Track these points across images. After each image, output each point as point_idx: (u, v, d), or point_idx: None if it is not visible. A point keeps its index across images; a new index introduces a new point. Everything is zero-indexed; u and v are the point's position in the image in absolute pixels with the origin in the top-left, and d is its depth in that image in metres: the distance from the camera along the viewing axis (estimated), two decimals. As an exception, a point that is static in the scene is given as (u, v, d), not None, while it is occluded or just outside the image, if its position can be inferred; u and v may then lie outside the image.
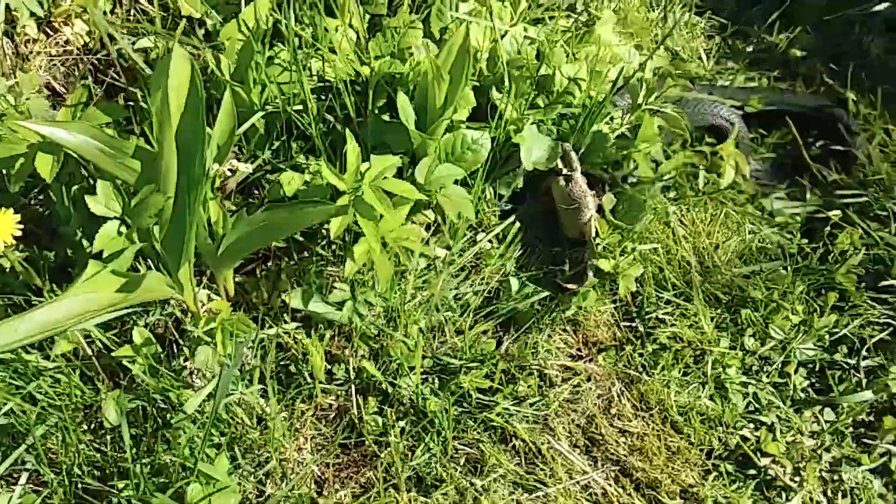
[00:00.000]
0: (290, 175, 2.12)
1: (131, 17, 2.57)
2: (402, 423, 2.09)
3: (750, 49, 2.78)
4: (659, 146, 2.26)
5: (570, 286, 2.24)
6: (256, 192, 2.27)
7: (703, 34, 2.83)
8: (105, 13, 2.57)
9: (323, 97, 2.21)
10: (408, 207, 2.04)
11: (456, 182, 2.13)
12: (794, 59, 2.79)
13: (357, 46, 2.23)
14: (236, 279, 2.21)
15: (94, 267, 1.70)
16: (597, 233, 2.23)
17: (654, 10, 2.81)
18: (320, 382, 2.10)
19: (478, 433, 2.09)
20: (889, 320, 2.27)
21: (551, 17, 2.40)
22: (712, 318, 2.29)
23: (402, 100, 2.05)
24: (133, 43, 2.44)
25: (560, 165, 2.24)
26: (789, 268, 2.35)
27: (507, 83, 2.15)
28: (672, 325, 2.25)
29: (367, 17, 2.39)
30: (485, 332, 2.24)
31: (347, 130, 1.96)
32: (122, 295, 1.67)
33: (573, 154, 2.23)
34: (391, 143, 2.16)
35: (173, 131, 1.74)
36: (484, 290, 2.26)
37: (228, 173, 1.84)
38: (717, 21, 2.84)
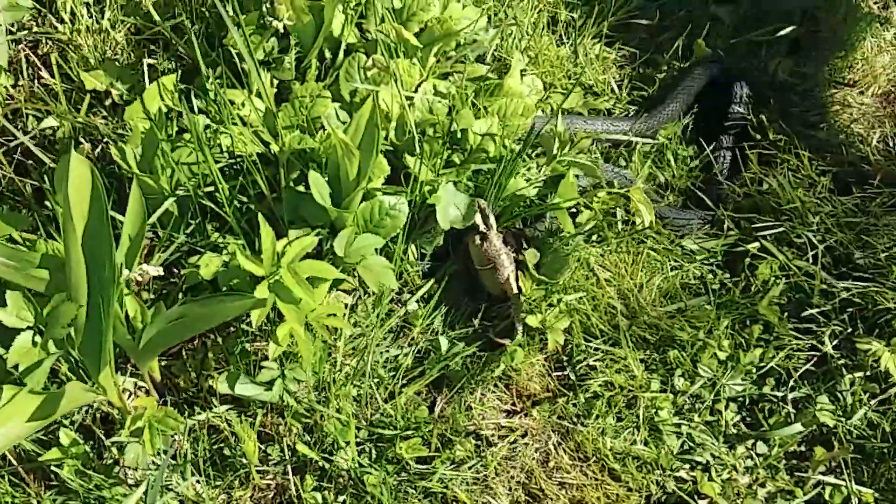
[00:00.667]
0: (207, 258, 2.09)
1: (35, 91, 2.51)
2: (342, 498, 2.09)
3: (661, 76, 2.80)
4: (578, 199, 2.27)
5: (501, 341, 2.25)
6: (177, 270, 2.24)
7: (615, 65, 2.84)
8: (6, 88, 2.51)
9: (238, 170, 2.18)
10: (328, 284, 2.02)
11: (377, 251, 2.12)
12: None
13: (265, 118, 2.20)
14: (162, 363, 2.17)
15: (10, 391, 1.65)
16: (519, 289, 2.23)
17: (563, 45, 2.81)
18: (255, 466, 2.07)
19: (418, 501, 2.09)
20: (813, 351, 2.30)
21: (458, 73, 2.39)
22: (642, 360, 2.31)
23: (314, 178, 2.03)
24: (39, 120, 2.39)
25: (478, 222, 2.24)
26: (713, 303, 2.37)
27: (417, 148, 2.13)
28: (603, 372, 2.27)
29: (276, 83, 2.37)
30: (418, 394, 2.24)
31: (260, 215, 1.94)
32: (40, 422, 1.63)
33: (488, 211, 2.23)
34: (308, 217, 2.13)
35: (79, 238, 1.70)
36: (413, 351, 2.25)
37: (139, 278, 1.80)
38: (628, 51, 2.86)
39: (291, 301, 1.92)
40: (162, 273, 1.81)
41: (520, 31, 2.73)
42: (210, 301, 1.85)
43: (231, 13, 2.33)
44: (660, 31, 2.90)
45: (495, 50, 2.64)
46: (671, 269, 2.44)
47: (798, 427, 2.22)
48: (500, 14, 2.72)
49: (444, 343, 2.25)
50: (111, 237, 1.71)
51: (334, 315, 2.00)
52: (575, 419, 2.24)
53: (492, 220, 2.23)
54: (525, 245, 2.31)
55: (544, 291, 2.23)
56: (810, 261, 2.39)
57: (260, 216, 1.94)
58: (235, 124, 2.18)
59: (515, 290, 2.24)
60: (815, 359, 2.30)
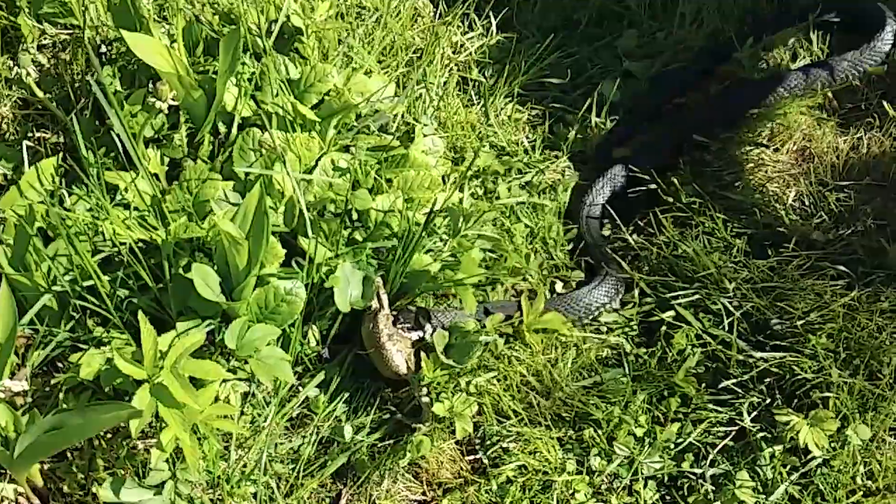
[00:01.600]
0: (88, 356, 1.96)
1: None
2: None
3: (572, 133, 2.73)
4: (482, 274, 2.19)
5: (410, 423, 2.15)
6: (61, 365, 2.11)
7: (528, 125, 2.78)
8: None
9: (121, 260, 2.06)
10: (216, 384, 1.91)
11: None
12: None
13: (154, 201, 2.09)
14: (46, 466, 2.04)
15: None
16: (415, 370, 2.13)
17: (474, 107, 2.74)
18: (145, 577, 1.95)
19: None
20: (732, 423, 2.23)
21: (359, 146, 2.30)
22: (558, 439, 2.22)
23: (199, 269, 1.92)
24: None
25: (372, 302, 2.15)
26: (629, 375, 2.30)
27: (310, 230, 2.03)
28: (516, 454, 2.17)
29: (167, 161, 2.26)
30: (322, 487, 2.13)
31: (140, 314, 1.82)
32: None
33: (381, 291, 2.13)
34: (197, 307, 2.02)
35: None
36: (314, 441, 2.14)
37: (0, 394, 1.67)
38: (540, 110, 2.80)
39: (175, 405, 1.80)
40: (26, 388, 1.68)
41: (429, 94, 2.65)
42: (86, 410, 1.73)
43: (118, 88, 2.24)
44: (573, 89, 2.84)
45: (403, 116, 2.56)
46: (585, 343, 2.36)
47: (718, 506, 2.15)
48: (411, 77, 2.64)
49: (348, 431, 2.14)
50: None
51: (226, 417, 1.89)
52: (488, 507, 2.14)
53: (384, 299, 2.14)
54: (431, 324, 2.22)
55: (448, 375, 2.14)
56: (726, 328, 2.32)
57: (140, 315, 1.83)
58: (122, 209, 2.07)
59: (405, 372, 2.15)
60: (734, 432, 2.23)
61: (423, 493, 2.17)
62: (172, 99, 2.13)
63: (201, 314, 2.02)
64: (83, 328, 2.03)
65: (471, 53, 2.83)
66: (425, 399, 2.13)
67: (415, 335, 2.21)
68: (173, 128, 2.27)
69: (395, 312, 2.21)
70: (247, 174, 2.21)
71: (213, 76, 2.26)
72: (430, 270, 2.20)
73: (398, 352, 2.15)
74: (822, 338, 2.28)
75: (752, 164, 2.69)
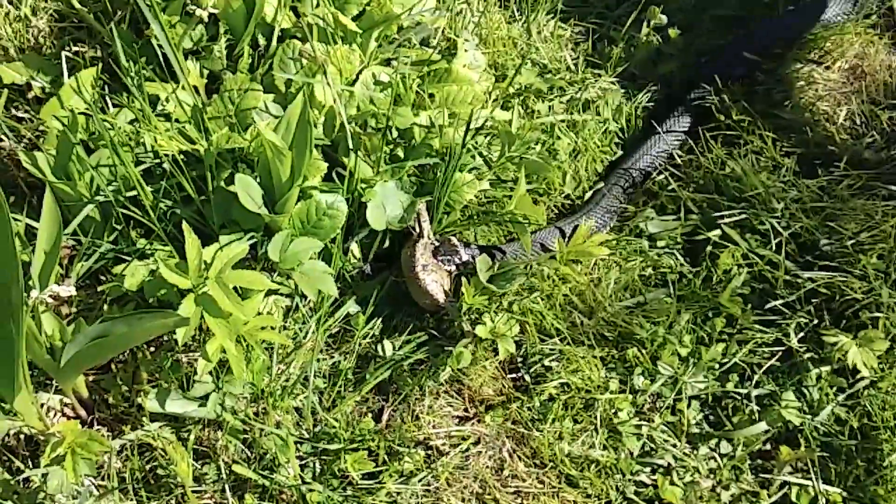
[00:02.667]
0: (132, 267, 1.95)
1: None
2: (284, 517, 1.98)
3: (617, 51, 2.65)
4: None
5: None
6: (104, 278, 2.10)
7: (570, 42, 2.70)
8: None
9: (165, 170, 2.04)
10: (260, 296, 1.89)
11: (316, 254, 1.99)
12: (662, 57, 2.68)
13: (195, 112, 2.05)
14: (90, 378, 2.05)
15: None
16: (451, 297, 2.10)
17: (515, 23, 2.67)
18: (191, 486, 1.95)
19: (365, 517, 1.98)
20: (778, 344, 2.20)
21: (406, 57, 2.24)
22: (601, 359, 2.20)
23: (242, 181, 1.89)
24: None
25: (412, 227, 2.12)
26: (673, 296, 2.26)
27: (351, 144, 2.00)
28: (559, 373, 2.16)
29: (206, 73, 2.22)
30: (364, 402, 2.13)
31: (185, 224, 1.80)
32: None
33: (423, 216, 2.11)
34: (240, 219, 2.00)
35: (-20, 260, 1.56)
36: (354, 357, 2.14)
37: (50, 300, 1.66)
38: (583, 27, 2.72)
39: (220, 315, 1.79)
40: (73, 294, 1.67)
41: (470, 8, 2.58)
42: (131, 319, 1.72)
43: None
44: (617, 5, 2.76)
45: (444, 30, 2.50)
46: (628, 261, 2.32)
47: (763, 426, 2.12)
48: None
49: (387, 348, 2.13)
50: (16, 256, 1.57)
51: (269, 328, 1.88)
52: (530, 424, 2.13)
53: (425, 227, 2.11)
54: (473, 252, 2.19)
55: (488, 300, 2.11)
56: (774, 249, 2.28)
57: (185, 225, 1.81)
58: (163, 120, 2.04)
59: (442, 301, 2.12)
60: (781, 353, 2.20)
61: (466, 410, 2.16)
62: (213, 7, 2.08)
63: (244, 227, 2.00)
64: (126, 240, 2.02)
65: (512, -33, 2.75)
66: (466, 326, 2.11)
67: (452, 266, 2.17)
68: (212, 39, 2.23)
69: (437, 242, 2.18)
70: (287, 87, 2.16)
71: (253, -14, 2.20)
72: (473, 189, 2.16)
73: (433, 282, 2.11)
74: (872, 258, 2.23)
75: (802, 83, 2.62)
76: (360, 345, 2.16)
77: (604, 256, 2.29)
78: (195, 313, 1.78)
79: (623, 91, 2.63)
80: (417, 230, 2.15)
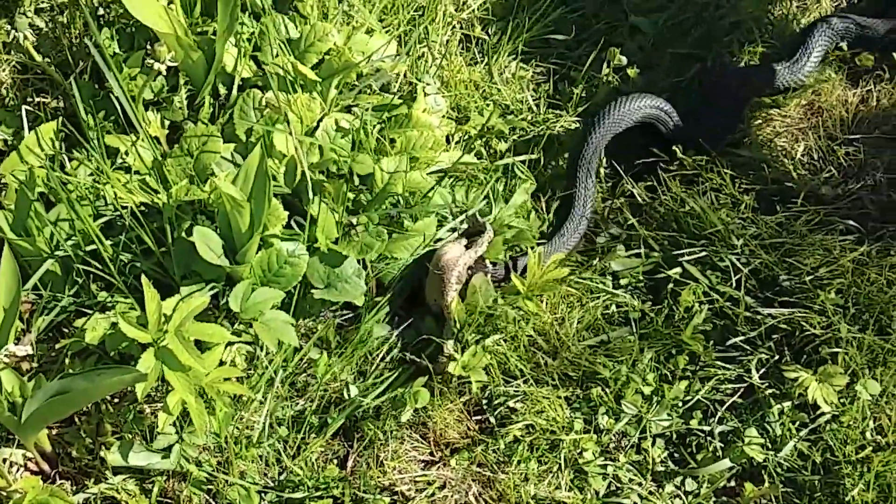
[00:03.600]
0: (93, 321, 1.96)
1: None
2: (249, 566, 1.97)
3: (577, 90, 2.68)
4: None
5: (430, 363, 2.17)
6: (66, 330, 2.11)
7: (532, 83, 2.74)
8: None
9: (124, 224, 2.05)
10: (221, 347, 1.90)
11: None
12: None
13: (155, 164, 2.07)
14: (54, 431, 2.05)
15: None
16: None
17: (477, 65, 2.70)
18: (154, 540, 1.95)
19: (331, 565, 1.98)
20: (741, 381, 2.22)
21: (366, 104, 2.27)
22: (566, 399, 2.21)
23: (201, 233, 1.90)
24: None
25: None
26: (636, 334, 2.28)
27: (311, 193, 2.01)
28: (524, 414, 2.17)
29: (168, 124, 2.24)
30: (328, 449, 2.13)
31: (143, 278, 1.81)
32: None
33: (490, 233, 2.22)
34: (201, 270, 2.01)
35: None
36: (318, 401, 2.14)
37: (5, 360, 1.67)
38: (544, 67, 2.75)
39: (180, 369, 1.80)
40: (30, 352, 1.67)
41: (431, 53, 2.61)
42: (91, 375, 1.72)
43: (117, 51, 2.21)
44: (577, 45, 2.79)
45: (406, 75, 2.53)
46: (592, 300, 2.34)
47: (727, 463, 2.14)
48: (413, 35, 2.59)
49: (353, 391, 2.14)
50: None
51: (231, 379, 1.88)
52: (495, 466, 2.14)
53: (482, 241, 2.19)
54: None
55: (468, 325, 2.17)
56: (734, 285, 2.30)
57: (144, 279, 1.82)
58: (123, 172, 2.06)
59: (450, 310, 2.18)
60: (743, 389, 2.22)
61: (431, 454, 2.17)
62: (171, 60, 2.10)
63: (205, 277, 2.01)
64: (87, 293, 2.02)
65: (474, 10, 2.78)
66: (448, 349, 2.16)
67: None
68: (173, 90, 2.25)
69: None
70: (247, 137, 2.18)
71: (212, 37, 2.23)
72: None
73: (454, 288, 2.16)
74: (830, 293, 2.26)
75: (759, 120, 2.65)
76: (325, 389, 2.17)
77: (568, 291, 2.32)
78: (155, 367, 1.78)
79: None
80: (466, 240, 2.22)
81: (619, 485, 2.15)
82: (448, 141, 2.50)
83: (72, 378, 1.74)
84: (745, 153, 2.57)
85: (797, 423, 2.17)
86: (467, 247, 2.22)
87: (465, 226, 2.30)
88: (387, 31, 2.60)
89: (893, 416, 2.17)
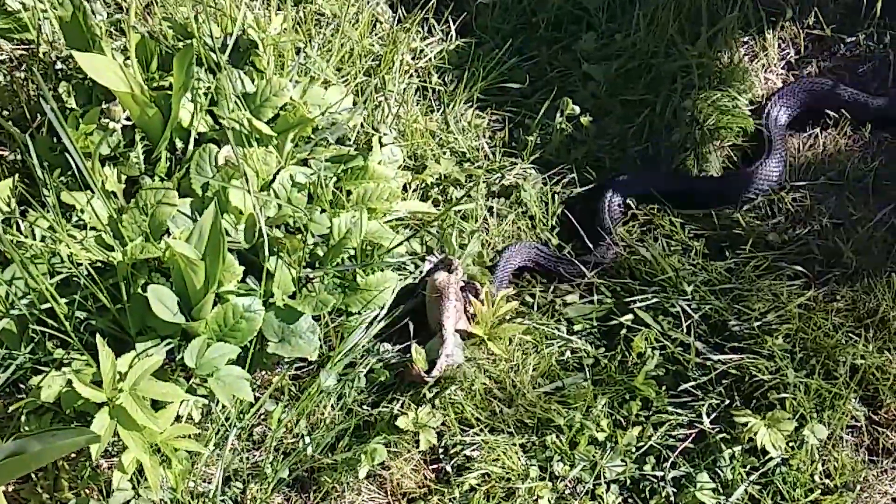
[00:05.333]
0: (49, 379, 1.96)
1: None
2: None
3: (531, 137, 2.72)
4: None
5: (422, 374, 2.21)
6: (23, 386, 2.11)
7: (488, 130, 2.78)
8: None
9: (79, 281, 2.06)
10: (176, 404, 1.91)
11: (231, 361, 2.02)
12: (576, 143, 2.76)
13: (110, 222, 2.09)
14: (10, 488, 2.05)
15: None
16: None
17: (434, 113, 2.74)
18: None
19: None
20: (691, 426, 2.26)
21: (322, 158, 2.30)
22: (522, 446, 2.24)
23: (155, 291, 1.92)
24: None
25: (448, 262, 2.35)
26: (589, 380, 2.32)
27: (267, 250, 2.04)
28: (480, 463, 2.19)
29: (125, 178, 2.26)
30: (287, 500, 2.15)
31: (98, 337, 1.83)
32: None
33: (457, 262, 2.34)
34: (156, 327, 2.02)
35: None
36: (276, 453, 2.16)
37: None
38: (500, 115, 2.80)
39: (134, 427, 1.81)
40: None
41: (388, 103, 2.65)
42: (45, 437, 1.73)
43: (74, 106, 2.23)
44: (532, 93, 2.85)
45: (362, 125, 2.56)
46: (546, 347, 2.38)
47: (679, 509, 2.18)
48: (370, 85, 2.63)
49: (309, 446, 2.16)
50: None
51: (186, 436, 1.90)
52: (452, 516, 2.16)
53: (460, 269, 2.33)
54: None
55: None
56: (685, 331, 2.35)
57: (98, 339, 1.84)
58: (79, 229, 2.07)
59: (446, 328, 2.25)
60: (694, 434, 2.26)
61: (388, 504, 2.19)
62: (127, 118, 2.12)
63: (160, 333, 2.02)
64: (43, 350, 2.03)
65: (430, 59, 2.84)
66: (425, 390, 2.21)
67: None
68: (130, 145, 2.27)
69: (463, 281, 2.36)
70: (204, 191, 2.20)
71: (169, 92, 2.25)
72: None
73: (451, 307, 2.27)
74: (778, 338, 2.31)
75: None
76: (280, 440, 2.18)
77: (523, 339, 2.36)
78: (109, 426, 1.80)
79: (541, 177, 2.70)
80: (451, 266, 2.35)
81: (574, 532, 2.18)
82: (405, 189, 2.54)
83: (26, 439, 1.74)
84: (695, 199, 2.64)
85: (748, 467, 2.22)
86: (452, 269, 2.34)
87: (428, 265, 2.39)
88: (344, 82, 2.64)
89: (841, 459, 2.22)
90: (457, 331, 2.28)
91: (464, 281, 2.36)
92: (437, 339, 2.25)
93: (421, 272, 2.38)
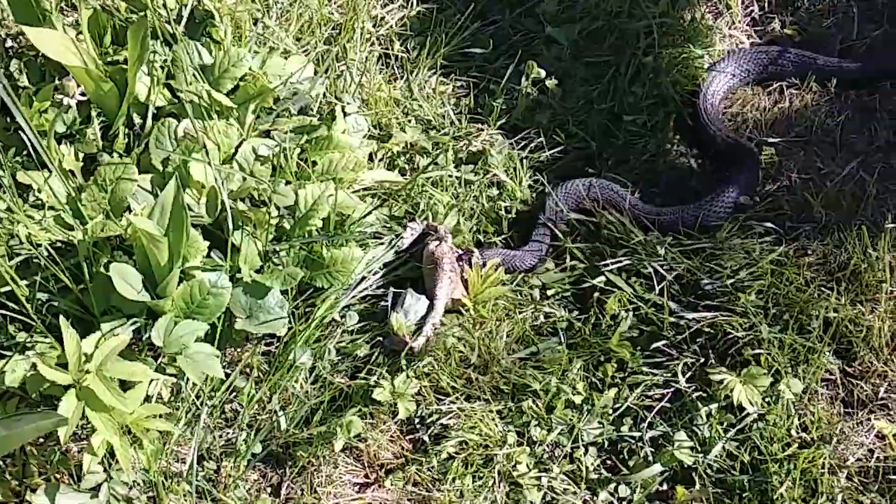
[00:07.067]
0: (13, 363, 1.91)
1: None
2: None
3: (497, 102, 2.69)
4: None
5: (407, 340, 2.19)
6: (-14, 373, 2.06)
7: (453, 97, 2.75)
8: None
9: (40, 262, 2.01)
10: (145, 384, 1.87)
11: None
12: (542, 107, 2.73)
13: (69, 200, 2.03)
14: (-23, 476, 2.00)
15: None
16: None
17: (397, 81, 2.70)
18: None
19: None
20: (667, 386, 2.25)
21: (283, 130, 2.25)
22: (498, 412, 2.22)
23: (118, 269, 1.88)
24: None
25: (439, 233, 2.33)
26: (564, 344, 2.31)
27: (231, 223, 2.00)
28: (457, 431, 2.17)
29: (83, 156, 2.20)
30: (263, 477, 2.12)
31: (62, 318, 1.78)
32: None
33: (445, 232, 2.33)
34: (121, 306, 1.98)
35: None
36: (248, 429, 2.13)
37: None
38: (464, 81, 2.77)
39: (103, 409, 1.77)
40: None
41: (350, 72, 2.60)
42: (9, 422, 1.68)
43: (27, 84, 2.17)
44: (495, 58, 2.81)
45: (325, 95, 2.52)
46: (520, 313, 2.36)
47: (658, 468, 2.17)
48: (330, 54, 2.58)
49: (283, 422, 2.12)
50: None
51: (155, 416, 1.86)
52: (430, 485, 2.14)
53: (449, 237, 2.32)
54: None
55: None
56: (657, 292, 2.34)
57: (62, 320, 1.79)
58: (37, 210, 2.02)
59: (438, 297, 2.25)
60: (671, 394, 2.26)
61: (366, 476, 2.16)
62: (82, 94, 2.07)
63: (126, 312, 1.98)
64: (5, 334, 1.98)
65: (391, 27, 2.79)
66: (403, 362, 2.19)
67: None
68: (86, 121, 2.21)
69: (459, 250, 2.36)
70: (164, 166, 2.15)
71: (124, 66, 2.20)
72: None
73: (446, 277, 2.26)
74: (751, 295, 2.31)
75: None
76: (253, 417, 2.15)
77: (497, 305, 2.34)
78: (77, 409, 1.76)
79: (508, 142, 2.67)
80: (441, 234, 2.33)
81: (554, 495, 2.16)
82: (371, 159, 2.50)
83: (-9, 424, 1.70)
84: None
85: (724, 424, 2.21)
86: (444, 238, 2.33)
87: (411, 234, 2.36)
88: (304, 52, 2.59)
89: (817, 412, 2.22)
90: (452, 300, 2.27)
91: (460, 250, 2.35)
92: (427, 307, 2.25)
93: (402, 240, 2.34)
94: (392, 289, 2.30)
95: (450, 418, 2.20)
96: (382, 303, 2.31)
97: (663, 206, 2.55)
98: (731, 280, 2.34)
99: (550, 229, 2.48)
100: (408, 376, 2.18)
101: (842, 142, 2.66)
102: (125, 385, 1.89)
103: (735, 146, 2.60)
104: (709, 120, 2.64)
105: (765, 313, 2.30)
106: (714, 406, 2.23)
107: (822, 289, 2.35)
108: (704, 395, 2.25)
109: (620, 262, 2.38)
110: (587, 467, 2.19)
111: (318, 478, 2.11)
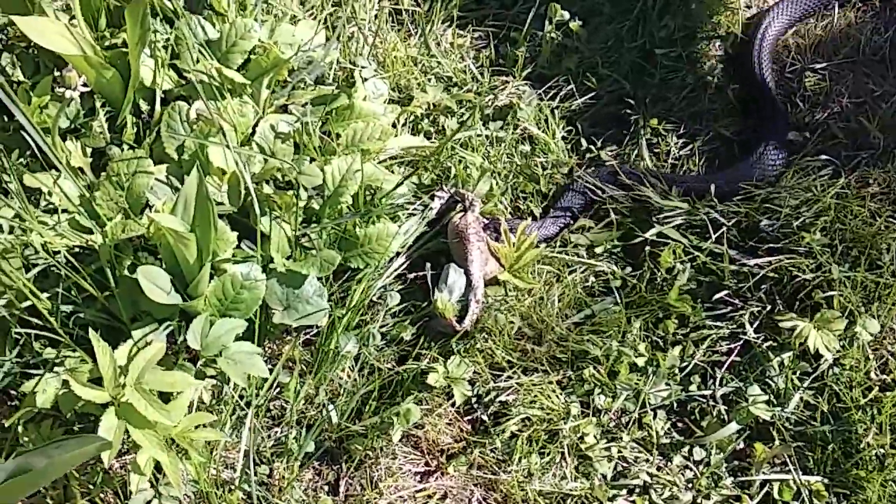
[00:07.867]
0: (43, 382, 1.78)
1: None
2: None
3: (520, 51, 2.52)
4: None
5: (454, 324, 2.05)
6: (14, 393, 1.93)
7: (472, 49, 2.58)
8: None
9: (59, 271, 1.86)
10: (187, 393, 1.74)
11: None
12: (567, 52, 2.56)
13: (83, 202, 1.89)
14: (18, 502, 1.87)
15: None
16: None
17: (412, 38, 2.53)
18: None
19: None
20: (734, 339, 2.12)
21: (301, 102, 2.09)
22: (559, 383, 2.09)
23: (144, 272, 1.73)
24: None
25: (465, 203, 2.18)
26: (620, 303, 2.17)
27: (258, 209, 1.85)
28: (517, 407, 2.04)
29: (91, 152, 2.05)
30: (319, 474, 1.99)
31: (91, 332, 1.64)
32: None
33: (474, 199, 2.18)
34: (151, 310, 1.84)
35: None
36: (298, 426, 2.00)
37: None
38: (482, 31, 2.59)
39: (146, 425, 1.64)
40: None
41: (361, 33, 2.43)
42: (49, 450, 1.55)
43: (22, 78, 2.01)
44: (514, 3, 2.64)
45: (339, 62, 2.35)
46: (569, 274, 2.21)
47: (734, 426, 2.04)
48: (340, 18, 2.41)
49: (333, 416, 1.99)
50: None
51: (203, 426, 1.73)
52: (495, 467, 2.02)
53: (476, 206, 2.17)
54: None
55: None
56: (713, 240, 2.19)
57: (91, 333, 1.65)
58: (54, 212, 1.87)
59: (473, 273, 2.09)
60: (739, 346, 2.12)
61: (427, 464, 2.04)
62: (83, 85, 1.91)
63: (157, 317, 1.84)
64: (31, 352, 1.84)
65: (400, -20, 2.62)
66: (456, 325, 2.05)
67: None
68: (91, 113, 2.05)
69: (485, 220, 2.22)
70: (179, 154, 2.00)
71: (124, 50, 2.03)
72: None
73: (475, 249, 2.11)
74: (815, 234, 2.16)
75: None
76: (302, 413, 2.02)
77: (542, 269, 2.20)
78: (119, 428, 1.62)
79: (535, 93, 2.50)
80: (467, 203, 2.18)
81: (625, 465, 2.04)
82: (393, 125, 2.34)
83: (29, 455, 1.56)
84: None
85: (799, 373, 2.08)
86: (470, 209, 2.17)
87: (439, 203, 2.21)
88: (312, 17, 2.42)
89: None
90: (486, 275, 2.11)
91: (486, 219, 2.19)
92: (466, 284, 2.08)
93: (430, 210, 2.19)
94: (428, 264, 2.15)
95: (508, 395, 2.07)
96: (419, 280, 2.17)
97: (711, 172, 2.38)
98: (793, 220, 2.19)
99: (582, 195, 2.30)
100: (462, 359, 2.04)
101: (892, 59, 2.49)
102: (165, 395, 1.76)
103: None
104: (761, 69, 2.46)
105: (832, 251, 2.15)
106: (787, 355, 2.10)
107: (890, 219, 2.20)
108: (775, 344, 2.12)
109: (675, 210, 2.22)
110: (657, 432, 2.07)
111: (377, 471, 1.99)
